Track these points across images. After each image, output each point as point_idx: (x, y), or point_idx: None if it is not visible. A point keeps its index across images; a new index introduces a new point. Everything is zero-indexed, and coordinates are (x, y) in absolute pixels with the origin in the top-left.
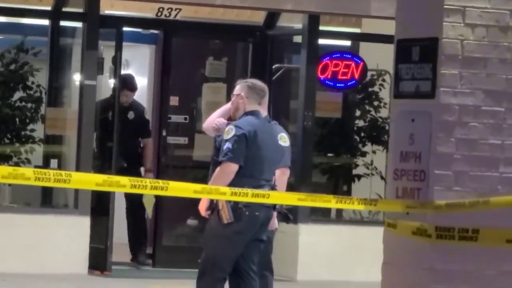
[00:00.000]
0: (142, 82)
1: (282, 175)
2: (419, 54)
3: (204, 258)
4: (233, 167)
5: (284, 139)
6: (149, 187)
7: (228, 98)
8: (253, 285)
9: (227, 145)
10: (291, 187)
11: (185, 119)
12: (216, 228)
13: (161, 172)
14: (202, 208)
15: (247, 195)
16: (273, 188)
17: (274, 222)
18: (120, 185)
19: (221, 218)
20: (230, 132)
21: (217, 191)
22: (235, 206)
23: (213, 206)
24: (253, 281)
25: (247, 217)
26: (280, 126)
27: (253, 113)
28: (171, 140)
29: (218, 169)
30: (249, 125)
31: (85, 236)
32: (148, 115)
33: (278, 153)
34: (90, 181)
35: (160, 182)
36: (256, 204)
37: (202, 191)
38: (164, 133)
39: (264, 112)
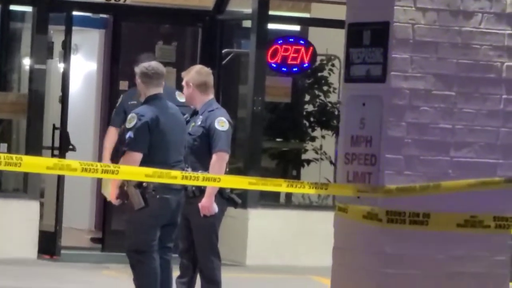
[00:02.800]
0: (92, 66)
1: (218, 160)
2: (370, 38)
3: (127, 248)
4: (137, 156)
5: (222, 123)
6: (100, 171)
7: (178, 83)
8: (167, 268)
9: (129, 134)
10: (240, 172)
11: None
12: (130, 215)
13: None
14: (113, 197)
15: (198, 179)
16: (183, 170)
17: (213, 206)
18: (71, 168)
19: (133, 205)
20: (132, 120)
21: (168, 175)
22: (144, 191)
23: (123, 193)
24: (167, 264)
25: (157, 201)
26: (222, 110)
27: (154, 97)
28: None
29: (122, 158)
30: (151, 112)
31: (35, 221)
32: (98, 100)
33: (183, 133)
34: (41, 164)
35: (111, 166)
36: (165, 188)
37: (153, 174)
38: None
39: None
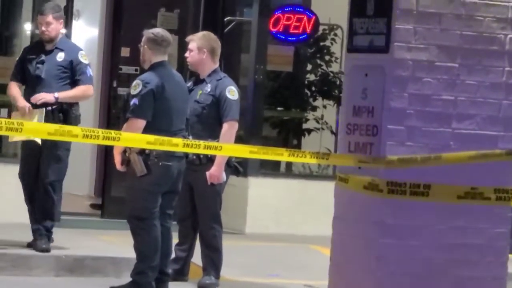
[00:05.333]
0: (93, 32)
1: (229, 129)
2: (373, 8)
3: (128, 215)
4: (140, 123)
5: (232, 92)
6: (101, 137)
7: (180, 50)
8: (168, 235)
9: (134, 101)
10: (241, 140)
11: (136, 70)
12: (132, 182)
13: (111, 123)
14: (117, 162)
15: (200, 147)
16: (185, 138)
17: (222, 175)
18: (72, 134)
19: (135, 171)
20: (137, 87)
21: (169, 143)
22: (146, 158)
23: (126, 159)
24: (168, 231)
25: (160, 168)
26: (230, 79)
27: (159, 64)
28: (122, 91)
29: (125, 125)
30: (156, 79)
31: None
32: (99, 65)
33: (186, 101)
34: (42, 130)
35: (113, 133)
36: (167, 155)
37: (155, 142)
38: (114, 84)
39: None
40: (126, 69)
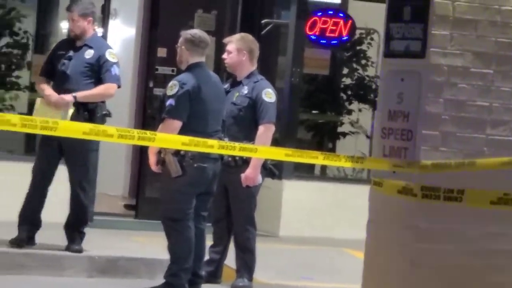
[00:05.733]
0: (130, 32)
1: (265, 131)
2: (410, 14)
3: (163, 216)
4: (176, 124)
5: (269, 95)
6: (136, 138)
7: (217, 52)
8: (201, 237)
9: (170, 101)
10: (276, 143)
11: (172, 71)
12: (167, 182)
13: (147, 124)
14: (152, 163)
15: (235, 149)
16: (221, 140)
17: (258, 177)
18: (107, 134)
19: (170, 172)
20: (173, 88)
21: (205, 144)
22: (182, 160)
23: (161, 160)
24: (202, 233)
25: (195, 169)
26: (267, 82)
27: (196, 65)
28: (158, 91)
29: (161, 125)
30: (193, 80)
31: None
32: (136, 65)
33: (223, 103)
34: (77, 129)
35: (148, 133)
36: (202, 156)
37: (190, 143)
38: (151, 84)
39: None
40: (162, 70)
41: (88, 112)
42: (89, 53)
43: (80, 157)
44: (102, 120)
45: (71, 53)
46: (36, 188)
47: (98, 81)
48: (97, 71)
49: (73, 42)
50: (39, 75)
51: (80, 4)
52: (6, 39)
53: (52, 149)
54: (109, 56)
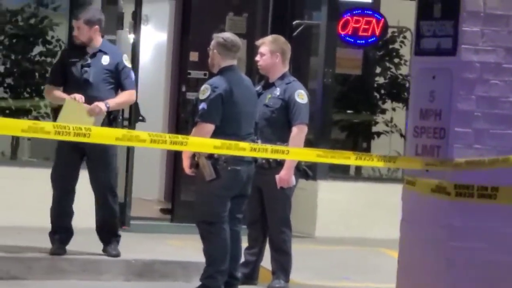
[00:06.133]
0: (162, 37)
1: (299, 132)
2: (440, 11)
3: (197, 219)
4: (209, 128)
5: (301, 96)
6: (168, 142)
7: (249, 54)
8: (237, 239)
9: (202, 105)
10: (310, 144)
11: (205, 75)
12: (201, 186)
13: (180, 128)
14: (186, 166)
15: (267, 151)
16: (254, 142)
17: (292, 179)
18: (140, 139)
19: (204, 176)
20: (205, 91)
21: (237, 147)
22: (215, 163)
23: (195, 164)
24: (237, 235)
25: (228, 173)
26: (299, 83)
27: (228, 68)
28: (190, 95)
29: (194, 129)
30: (225, 83)
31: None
32: (168, 70)
33: (255, 106)
34: (110, 135)
35: (180, 138)
36: (236, 159)
37: (222, 146)
38: (183, 89)
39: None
40: (194, 74)
41: (111, 118)
42: (105, 59)
43: (105, 161)
44: (122, 126)
45: (88, 60)
46: (62, 195)
47: (117, 86)
48: (115, 77)
49: (82, 49)
50: (48, 83)
51: (87, 12)
52: (39, 48)
53: (73, 154)
54: (126, 62)
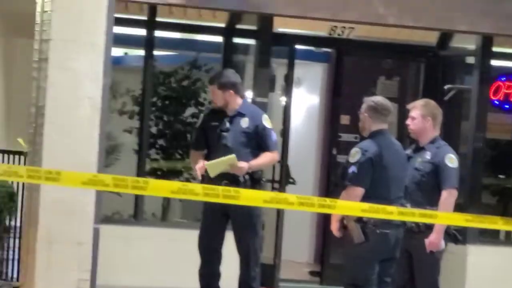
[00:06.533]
0: (313, 100)
1: (448, 196)
2: None
3: (346, 282)
4: (359, 191)
5: (451, 160)
6: (316, 205)
7: (400, 118)
8: None
9: (353, 169)
10: (460, 208)
11: (356, 138)
12: (350, 249)
13: (330, 190)
14: (334, 229)
15: (415, 215)
16: (403, 206)
17: (441, 243)
18: (288, 202)
19: (353, 239)
20: (355, 155)
21: (384, 211)
22: (364, 226)
23: (344, 226)
24: None
25: (377, 236)
26: (449, 147)
27: (379, 132)
28: (341, 158)
29: (343, 192)
30: (375, 147)
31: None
32: (319, 133)
33: (405, 169)
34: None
35: (328, 201)
36: (385, 223)
37: (370, 210)
38: (334, 152)
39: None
40: (345, 137)
41: (251, 180)
42: (245, 122)
43: (249, 223)
44: (264, 187)
45: (227, 124)
46: (209, 256)
47: (256, 148)
48: (254, 138)
49: (222, 112)
50: (192, 148)
51: (221, 77)
52: (191, 109)
53: (218, 216)
54: (266, 122)
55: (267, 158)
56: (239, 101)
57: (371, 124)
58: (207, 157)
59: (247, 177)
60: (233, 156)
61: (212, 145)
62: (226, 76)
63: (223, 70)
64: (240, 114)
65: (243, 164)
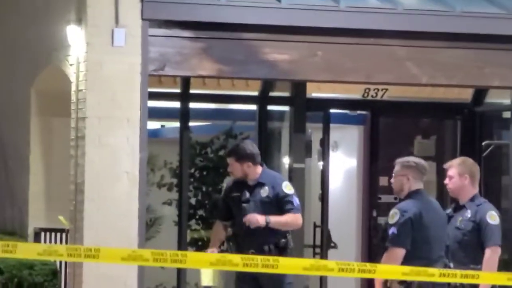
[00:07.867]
0: (352, 163)
1: (492, 254)
2: None
3: None
4: (400, 252)
5: (493, 217)
6: (356, 270)
7: (438, 177)
8: None
9: (392, 230)
10: (505, 264)
11: (395, 199)
12: None
13: (372, 253)
14: None
15: (456, 276)
16: (445, 265)
17: None
18: (328, 269)
19: None
20: (394, 216)
21: (425, 273)
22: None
23: None
24: None
25: None
26: (490, 204)
27: (417, 192)
28: (381, 220)
29: (385, 254)
30: (414, 207)
31: None
32: (359, 196)
33: (445, 228)
34: (297, 265)
35: (368, 265)
36: (429, 284)
37: (411, 272)
38: (374, 214)
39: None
40: (385, 198)
41: (278, 249)
42: (265, 191)
43: None
44: (291, 253)
45: (247, 195)
46: None
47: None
48: (276, 206)
49: (243, 183)
50: (218, 219)
51: (238, 149)
52: (229, 178)
53: (251, 283)
54: (287, 189)
55: (288, 218)
56: (258, 170)
57: (411, 184)
58: (232, 227)
59: (272, 246)
60: None
61: (235, 216)
62: (243, 148)
63: (240, 142)
64: (260, 184)
65: (260, 217)
